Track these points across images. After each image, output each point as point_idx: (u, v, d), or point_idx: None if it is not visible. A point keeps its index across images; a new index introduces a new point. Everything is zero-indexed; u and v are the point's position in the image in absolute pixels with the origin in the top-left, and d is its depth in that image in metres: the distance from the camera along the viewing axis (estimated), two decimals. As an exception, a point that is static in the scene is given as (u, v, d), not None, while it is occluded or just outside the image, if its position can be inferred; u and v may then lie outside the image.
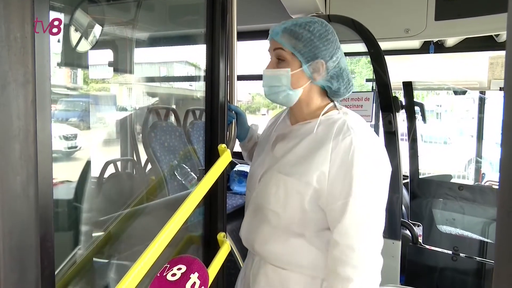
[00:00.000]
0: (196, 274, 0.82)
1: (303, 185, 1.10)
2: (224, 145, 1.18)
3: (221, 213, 1.24)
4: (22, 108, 0.57)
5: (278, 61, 1.17)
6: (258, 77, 3.71)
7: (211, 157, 1.20)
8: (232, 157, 1.21)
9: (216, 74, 1.22)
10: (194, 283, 0.81)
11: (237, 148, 1.50)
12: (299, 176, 1.11)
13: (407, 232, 2.28)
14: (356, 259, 1.03)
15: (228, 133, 1.32)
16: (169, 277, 0.80)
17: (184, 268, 0.82)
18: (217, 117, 1.22)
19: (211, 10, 1.22)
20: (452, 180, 3.14)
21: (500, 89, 3.02)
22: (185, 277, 0.81)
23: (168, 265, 0.83)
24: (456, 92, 3.40)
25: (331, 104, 1.22)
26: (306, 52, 1.13)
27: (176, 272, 0.80)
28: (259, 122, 1.60)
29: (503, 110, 0.38)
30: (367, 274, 1.05)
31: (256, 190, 1.24)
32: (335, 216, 1.07)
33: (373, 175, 1.08)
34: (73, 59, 2.14)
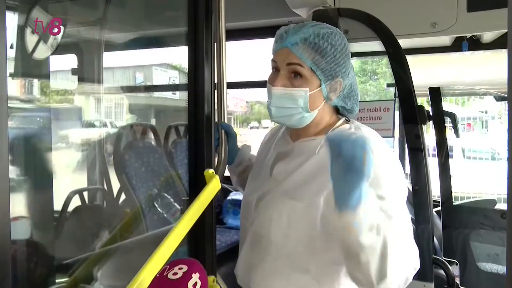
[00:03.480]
0: (198, 275, 0.93)
1: (313, 209, 1.12)
2: (211, 170, 1.16)
3: (209, 253, 1.25)
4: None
5: (292, 76, 1.17)
6: (254, 85, 3.74)
7: (196, 184, 1.22)
8: (225, 183, 1.22)
9: (200, 82, 1.23)
10: (196, 283, 0.92)
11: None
12: (307, 200, 1.14)
13: (441, 271, 2.28)
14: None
15: (217, 154, 1.34)
16: (170, 276, 0.91)
17: (185, 267, 0.93)
18: (202, 135, 1.23)
19: (193, 5, 1.24)
20: (497, 206, 3.13)
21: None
22: (187, 275, 0.92)
23: (168, 266, 0.94)
24: (497, 99, 3.44)
25: (342, 120, 1.27)
26: (328, 69, 1.16)
27: (177, 272, 0.92)
28: (262, 134, 1.60)
29: (507, 115, 0.42)
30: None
31: (254, 218, 1.27)
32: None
33: (396, 192, 1.12)
34: (29, 67, 2.18)
